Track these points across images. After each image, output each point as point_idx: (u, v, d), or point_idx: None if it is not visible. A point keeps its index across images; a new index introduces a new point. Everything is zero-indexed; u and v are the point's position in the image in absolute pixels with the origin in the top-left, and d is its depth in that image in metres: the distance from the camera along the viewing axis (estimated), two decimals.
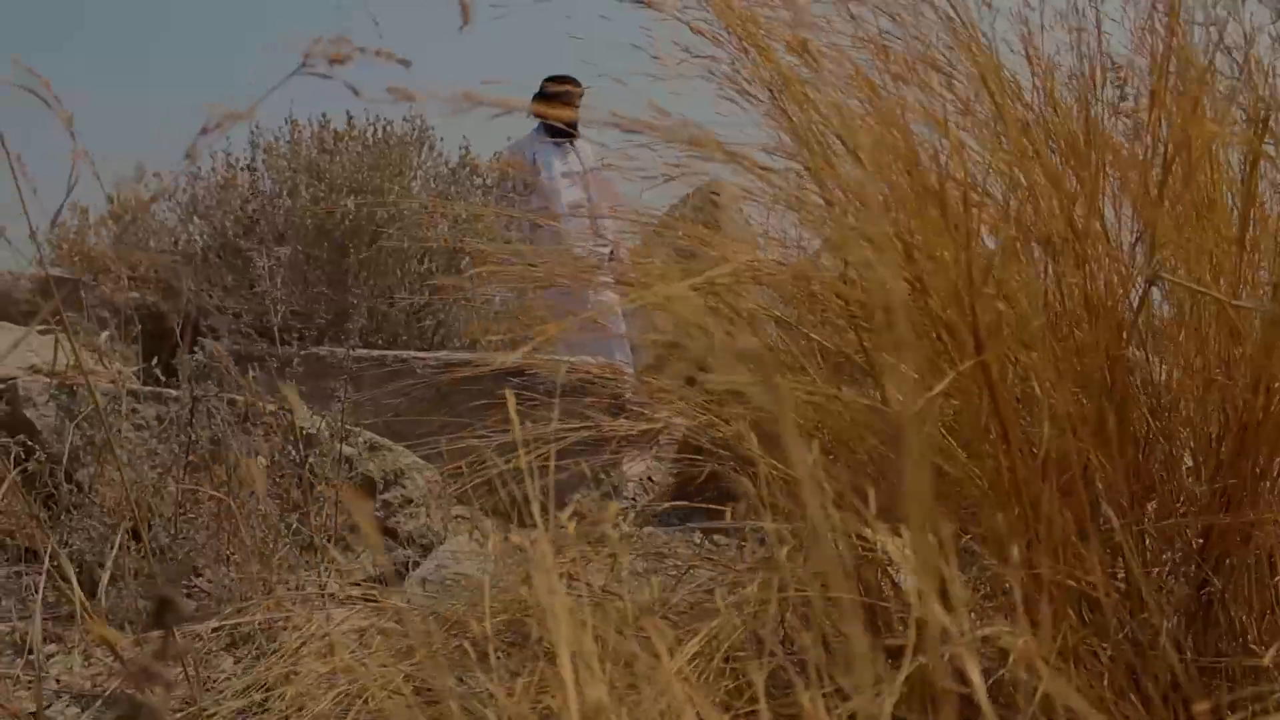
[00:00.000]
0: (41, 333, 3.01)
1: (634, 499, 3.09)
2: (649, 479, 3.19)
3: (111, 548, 2.14)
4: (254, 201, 2.50)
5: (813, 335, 1.21)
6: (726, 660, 0.94)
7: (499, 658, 1.03)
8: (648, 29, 1.20)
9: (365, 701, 1.17)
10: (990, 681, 0.97)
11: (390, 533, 2.59)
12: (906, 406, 0.41)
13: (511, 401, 0.92)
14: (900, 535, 0.65)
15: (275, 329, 1.57)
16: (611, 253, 2.77)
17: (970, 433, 0.95)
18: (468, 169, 3.87)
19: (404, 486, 2.66)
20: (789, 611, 0.99)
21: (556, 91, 3.95)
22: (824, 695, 0.74)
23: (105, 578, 1.27)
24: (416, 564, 2.48)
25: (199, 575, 2.22)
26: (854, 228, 1.04)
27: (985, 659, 0.87)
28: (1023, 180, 1.08)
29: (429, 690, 1.32)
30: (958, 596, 0.61)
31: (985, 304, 0.82)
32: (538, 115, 3.80)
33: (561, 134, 4.31)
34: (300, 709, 1.08)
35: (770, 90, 1.18)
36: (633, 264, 1.31)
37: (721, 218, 4.53)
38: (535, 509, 0.79)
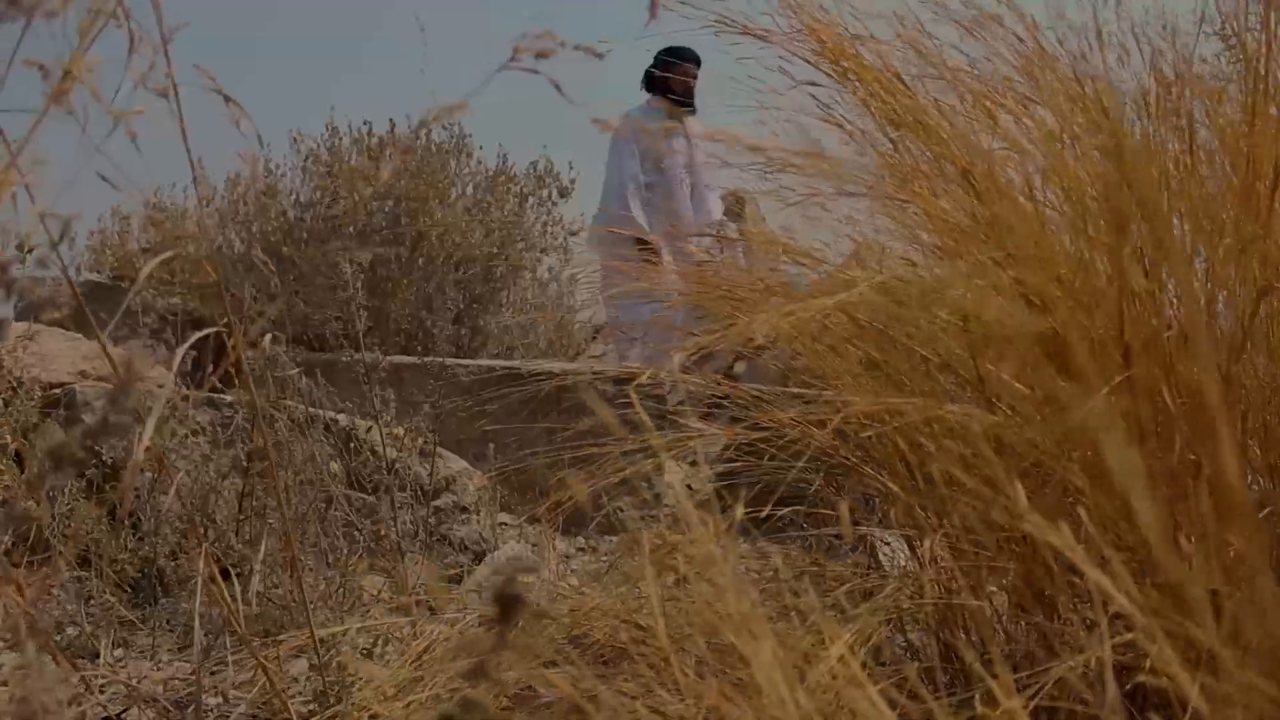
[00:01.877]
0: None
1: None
2: (689, 487, 3.21)
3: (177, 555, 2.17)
4: (339, 205, 2.52)
5: (918, 350, 1.25)
6: (864, 665, 0.97)
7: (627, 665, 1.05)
8: (761, 60, 1.24)
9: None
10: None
11: (443, 539, 2.62)
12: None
13: (639, 408, 0.95)
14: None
15: (359, 335, 1.60)
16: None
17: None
18: (504, 177, 3.90)
19: (455, 493, 2.69)
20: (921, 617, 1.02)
21: (671, 65, 3.76)
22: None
23: (255, 580, 1.29)
24: (469, 571, 2.51)
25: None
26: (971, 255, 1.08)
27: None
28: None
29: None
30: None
31: (1134, 320, 0.85)
32: (658, 88, 3.69)
33: (678, 103, 4.00)
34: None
35: (876, 119, 1.22)
36: (733, 279, 1.34)
37: (747, 226, 4.59)
38: (693, 517, 0.81)
